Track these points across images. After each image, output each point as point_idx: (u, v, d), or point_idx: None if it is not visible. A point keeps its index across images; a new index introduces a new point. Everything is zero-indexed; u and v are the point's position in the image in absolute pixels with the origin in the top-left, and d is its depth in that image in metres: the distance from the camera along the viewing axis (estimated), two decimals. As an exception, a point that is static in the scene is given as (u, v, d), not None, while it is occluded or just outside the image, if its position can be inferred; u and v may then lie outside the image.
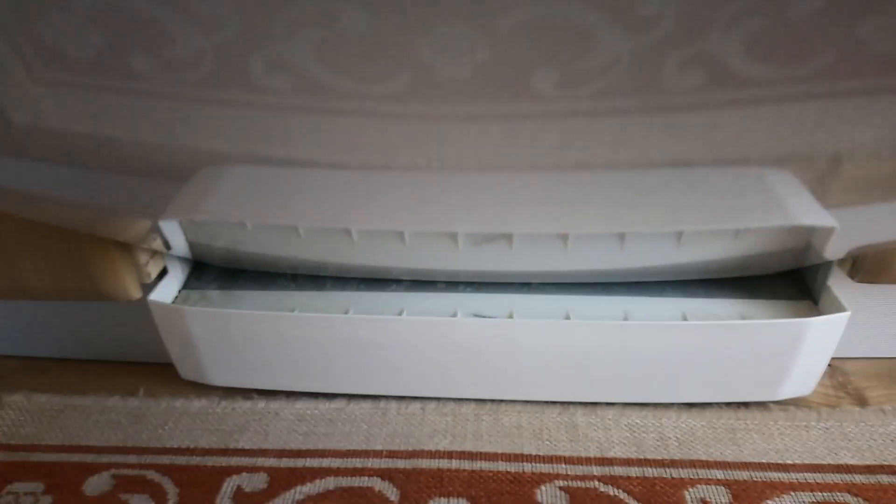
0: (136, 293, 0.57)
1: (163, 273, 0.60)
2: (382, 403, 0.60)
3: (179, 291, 0.62)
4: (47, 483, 0.53)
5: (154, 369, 0.66)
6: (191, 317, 0.57)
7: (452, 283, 0.62)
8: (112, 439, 0.57)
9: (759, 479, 0.50)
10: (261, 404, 0.61)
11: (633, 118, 0.44)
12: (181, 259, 0.63)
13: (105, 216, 0.56)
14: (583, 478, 0.52)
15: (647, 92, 0.41)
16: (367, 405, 0.60)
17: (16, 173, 0.53)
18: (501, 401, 0.59)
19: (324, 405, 0.60)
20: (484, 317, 0.56)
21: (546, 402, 0.58)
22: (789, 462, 0.51)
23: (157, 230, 0.56)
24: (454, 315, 0.58)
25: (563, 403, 0.58)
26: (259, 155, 0.49)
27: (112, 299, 0.57)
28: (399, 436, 0.56)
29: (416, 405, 0.60)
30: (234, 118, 0.44)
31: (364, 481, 0.53)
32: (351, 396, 0.61)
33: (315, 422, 0.59)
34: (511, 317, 0.56)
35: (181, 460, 0.55)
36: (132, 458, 0.55)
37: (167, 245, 0.57)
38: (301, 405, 0.60)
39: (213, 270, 0.64)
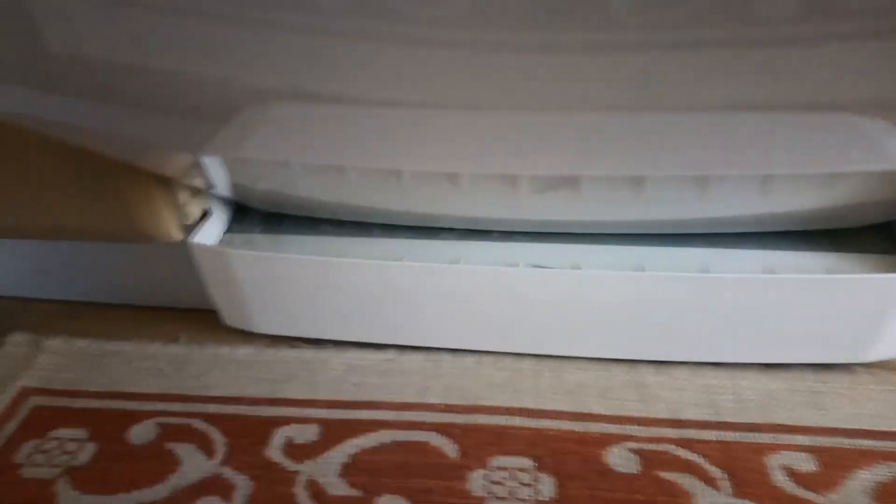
0: (177, 234, 0.54)
1: (204, 215, 0.57)
2: (435, 355, 0.57)
3: (223, 234, 0.59)
4: (91, 430, 0.51)
5: (195, 315, 0.64)
6: (238, 261, 0.54)
7: (508, 233, 0.58)
8: (155, 386, 0.55)
9: (849, 447, 0.46)
10: (308, 353, 0.58)
11: (718, 53, 0.38)
12: (224, 201, 0.59)
13: (146, 148, 0.52)
14: (655, 440, 0.48)
15: (736, 22, 0.36)
16: (419, 357, 0.57)
17: (53, 108, 0.49)
18: (563, 357, 0.55)
19: (374, 355, 0.57)
20: (547, 268, 0.52)
21: (612, 360, 0.55)
22: (882, 429, 0.47)
23: (199, 166, 0.52)
24: (514, 265, 0.54)
25: (630, 361, 0.54)
26: (306, 90, 0.45)
27: (151, 240, 0.54)
28: (455, 389, 0.53)
29: (471, 358, 0.56)
30: (282, 45, 0.40)
31: (420, 436, 0.50)
32: (402, 347, 0.58)
33: (366, 373, 0.56)
34: (576, 268, 0.52)
35: (228, 409, 0.52)
36: (177, 406, 0.53)
37: (210, 183, 0.54)
38: (350, 355, 0.57)
39: (256, 214, 0.61)
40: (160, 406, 0.53)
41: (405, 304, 0.56)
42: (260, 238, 0.58)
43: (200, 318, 0.63)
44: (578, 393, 0.53)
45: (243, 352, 0.58)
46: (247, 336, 0.60)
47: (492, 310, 0.55)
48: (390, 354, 0.57)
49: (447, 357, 0.57)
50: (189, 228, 0.55)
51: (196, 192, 0.55)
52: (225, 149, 0.52)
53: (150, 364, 0.57)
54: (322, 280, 0.56)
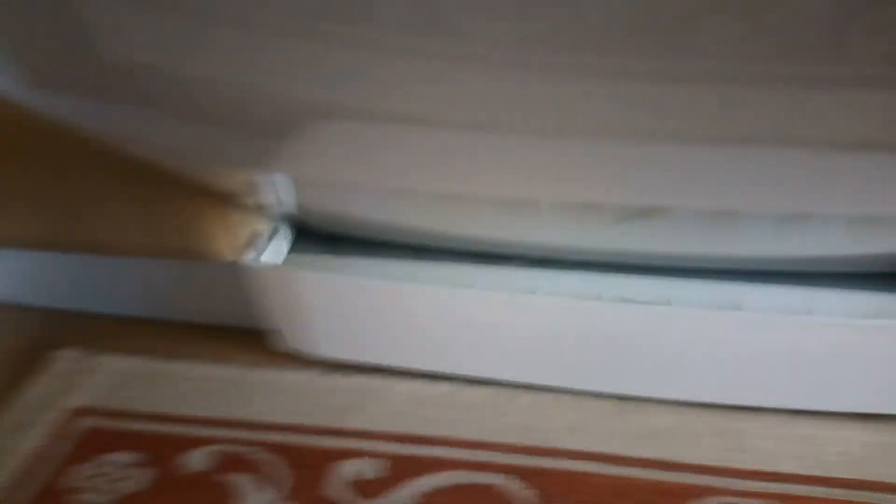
0: (233, 254, 0.52)
1: (264, 235, 0.55)
2: (507, 390, 0.54)
3: (286, 255, 0.56)
4: (147, 455, 0.49)
5: (245, 336, 0.61)
6: (305, 282, 0.52)
7: (584, 262, 0.55)
8: (212, 410, 0.52)
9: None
10: (372, 381, 0.55)
11: (808, 89, 0.36)
12: (285, 220, 0.57)
13: (209, 162, 0.51)
14: (752, 494, 0.44)
15: (829, 58, 0.33)
16: (489, 391, 0.54)
17: (116, 120, 0.48)
18: (648, 399, 0.52)
19: (439, 387, 0.54)
20: (636, 302, 0.49)
21: (701, 404, 0.51)
22: None
23: (264, 183, 0.50)
24: (594, 298, 0.51)
25: (722, 406, 0.50)
26: (374, 109, 0.43)
27: (205, 259, 0.52)
28: (531, 429, 0.50)
29: (547, 396, 0.53)
30: (349, 61, 0.38)
31: (497, 479, 0.46)
32: (469, 380, 0.55)
33: (433, 405, 0.53)
34: (666, 304, 0.49)
35: (290, 439, 0.50)
36: (236, 433, 0.50)
37: (273, 201, 0.51)
38: (415, 385, 0.54)
39: (316, 235, 0.58)
40: (218, 432, 0.50)
41: (476, 334, 0.53)
42: (322, 260, 0.56)
43: (251, 340, 0.60)
44: (666, 438, 0.49)
45: (301, 377, 0.55)
46: (300, 360, 0.57)
47: (571, 344, 0.51)
48: (459, 386, 0.54)
49: (521, 392, 0.53)
50: (245, 248, 0.53)
51: (256, 210, 0.53)
52: (291, 166, 0.50)
53: (204, 386, 0.55)
54: (390, 305, 0.53)
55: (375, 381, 0.55)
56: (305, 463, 0.48)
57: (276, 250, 0.55)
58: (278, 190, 0.52)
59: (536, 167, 0.47)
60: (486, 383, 0.54)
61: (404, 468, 0.47)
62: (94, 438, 0.50)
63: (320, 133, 0.45)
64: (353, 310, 0.53)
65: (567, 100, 0.40)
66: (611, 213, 0.50)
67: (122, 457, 0.48)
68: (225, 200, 0.51)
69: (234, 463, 0.48)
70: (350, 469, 0.47)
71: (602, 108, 0.40)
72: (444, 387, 0.54)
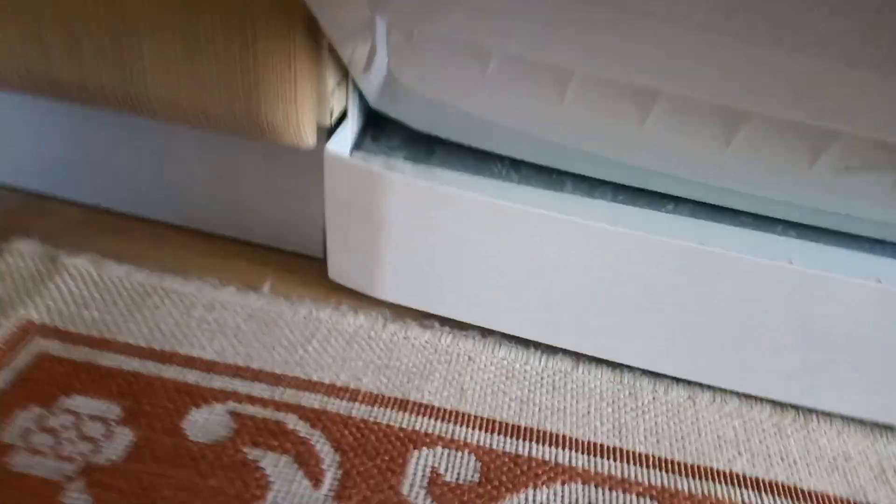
0: (309, 137, 0.36)
1: (340, 119, 0.39)
2: (628, 378, 0.40)
3: (351, 149, 0.41)
4: (127, 405, 0.33)
5: (287, 260, 0.45)
6: (385, 186, 0.36)
7: (762, 217, 0.41)
8: (230, 353, 0.37)
9: None
10: (447, 340, 0.40)
11: None
12: (361, 106, 0.41)
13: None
14: None
15: None
16: (604, 375, 0.40)
17: None
18: (811, 410, 0.39)
19: (540, 361, 0.40)
20: (842, 277, 0.35)
21: (882, 425, 0.38)
22: None
23: (371, 29, 0.34)
24: (781, 261, 0.37)
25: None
26: None
27: (262, 136, 0.36)
28: (667, 436, 0.36)
29: (681, 392, 0.39)
30: None
31: (623, 500, 0.33)
32: (578, 356, 0.41)
33: (532, 384, 0.38)
34: (879, 281, 0.36)
35: (339, 406, 0.35)
36: (261, 389, 0.35)
37: (371, 55, 0.35)
38: (506, 353, 0.40)
39: (396, 134, 0.43)
40: (236, 385, 0.35)
41: (597, 295, 0.39)
42: (403, 165, 0.40)
43: (294, 265, 0.44)
44: (843, 468, 0.36)
45: (355, 322, 0.40)
46: (357, 299, 0.42)
47: (731, 326, 0.38)
48: (564, 364, 0.40)
49: (645, 383, 0.40)
50: (310, 131, 0.37)
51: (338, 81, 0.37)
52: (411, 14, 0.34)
53: (220, 317, 0.39)
54: (493, 237, 0.38)
55: (457, 342, 0.40)
56: (364, 446, 0.33)
57: (344, 139, 0.39)
58: (377, 45, 0.35)
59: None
60: (600, 363, 0.40)
61: (502, 472, 0.33)
62: (48, 371, 0.34)
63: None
64: (438, 237, 0.38)
65: None
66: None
67: (90, 404, 0.33)
68: (320, 60, 0.34)
69: (257, 432, 0.33)
70: (426, 463, 0.33)
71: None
72: (546, 362, 0.40)
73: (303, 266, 0.44)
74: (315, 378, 0.36)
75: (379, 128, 0.43)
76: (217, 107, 0.34)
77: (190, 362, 0.36)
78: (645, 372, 0.40)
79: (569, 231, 0.37)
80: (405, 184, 0.35)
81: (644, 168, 0.39)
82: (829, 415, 0.39)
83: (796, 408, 0.39)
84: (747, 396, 0.40)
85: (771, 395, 0.39)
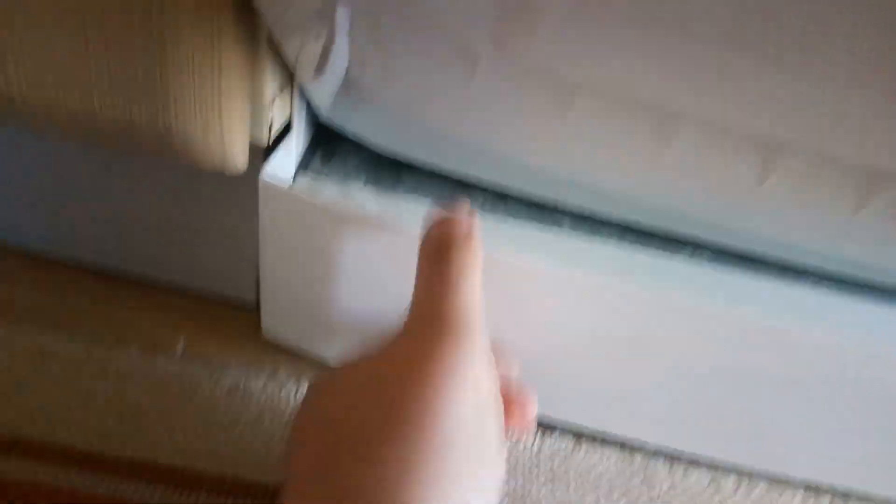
0: (239, 158, 0.27)
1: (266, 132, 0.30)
2: (640, 460, 0.32)
3: (294, 172, 0.32)
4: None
5: (212, 310, 0.35)
6: (341, 222, 0.27)
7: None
8: (121, 442, 0.28)
9: None
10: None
11: None
12: (306, 117, 0.33)
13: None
14: None
15: None
16: (612, 456, 0.32)
17: None
18: (847, 494, 0.32)
19: (534, 441, 0.32)
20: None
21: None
22: None
23: (329, 17, 0.25)
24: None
25: None
26: None
27: (179, 158, 0.26)
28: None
29: (702, 476, 0.32)
30: None
31: None
32: (579, 433, 0.33)
33: (526, 473, 0.30)
34: None
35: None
36: (165, 496, 0.26)
37: (325, 53, 0.27)
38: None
39: (354, 154, 0.34)
40: (128, 490, 0.26)
41: (600, 358, 0.31)
42: (362, 194, 0.32)
43: (219, 318, 0.35)
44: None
45: (298, 394, 0.31)
46: (299, 363, 0.33)
47: (757, 397, 0.31)
48: (562, 443, 0.32)
49: (659, 465, 0.32)
50: (245, 153, 0.28)
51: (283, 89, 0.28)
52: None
53: (114, 389, 0.30)
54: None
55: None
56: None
57: (288, 159, 0.30)
58: (334, 39, 0.27)
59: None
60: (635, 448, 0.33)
61: None
62: None
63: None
64: (412, 288, 0.30)
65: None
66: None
67: None
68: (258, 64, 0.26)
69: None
70: None
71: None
72: (559, 442, 0.32)
73: (230, 318, 0.35)
74: (241, 476, 0.27)
75: (332, 146, 0.35)
76: (110, 116, 0.24)
77: (66, 457, 0.26)
78: (658, 451, 0.33)
79: (568, 282, 0.30)
80: (363, 219, 0.27)
81: (660, 207, 0.32)
82: (869, 499, 0.33)
83: (832, 492, 0.33)
84: (777, 481, 0.33)
85: (804, 476, 0.33)
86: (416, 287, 0.23)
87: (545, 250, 0.31)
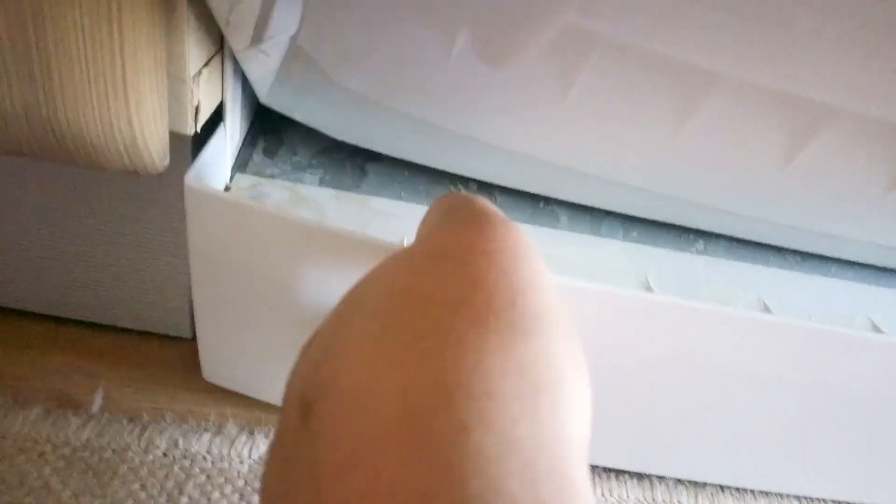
0: (155, 154, 0.20)
1: (210, 124, 0.23)
2: (661, 492, 0.28)
3: (231, 173, 0.25)
4: None
5: (137, 345, 0.28)
6: (292, 232, 0.21)
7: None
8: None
9: None
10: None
11: None
12: (241, 99, 0.26)
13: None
14: None
15: None
16: (631, 491, 0.27)
17: None
18: None
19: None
20: None
21: None
22: None
23: None
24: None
25: None
26: None
27: (76, 158, 0.20)
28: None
29: None
30: None
31: None
32: (592, 467, 0.28)
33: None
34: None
35: None
36: None
37: (265, 14, 0.20)
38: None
39: (305, 144, 0.28)
40: None
41: (611, 382, 0.26)
42: (317, 194, 0.26)
43: (145, 355, 0.28)
44: None
45: (253, 453, 0.25)
46: (251, 409, 0.27)
47: (785, 413, 0.27)
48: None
49: (683, 497, 0.28)
50: (167, 147, 0.21)
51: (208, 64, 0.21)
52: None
53: (14, 467, 0.23)
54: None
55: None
56: None
57: (220, 156, 0.24)
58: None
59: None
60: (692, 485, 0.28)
61: None
62: None
63: None
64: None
65: None
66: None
67: None
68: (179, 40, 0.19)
69: None
70: None
71: None
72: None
73: (161, 355, 0.28)
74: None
75: (277, 134, 0.28)
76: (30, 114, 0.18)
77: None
78: (679, 480, 0.29)
79: (570, 292, 0.24)
80: (319, 230, 0.21)
81: (670, 195, 0.28)
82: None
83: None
84: (810, 499, 0.29)
85: (837, 497, 0.29)
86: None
87: (545, 253, 0.26)
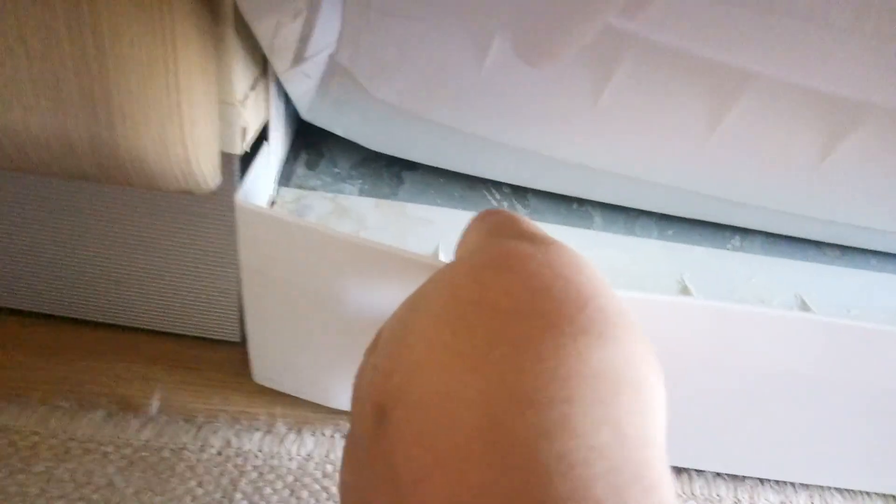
0: (208, 174, 0.21)
1: (256, 146, 0.24)
2: (700, 485, 0.28)
3: (275, 187, 0.27)
4: None
5: (190, 350, 0.30)
6: (336, 244, 0.22)
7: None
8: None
9: None
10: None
11: None
12: (285, 116, 0.27)
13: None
14: None
15: None
16: (665, 485, 0.28)
17: None
18: None
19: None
20: None
21: None
22: None
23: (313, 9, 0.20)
24: None
25: None
26: None
27: (132, 181, 0.21)
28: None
29: (771, 498, 0.28)
30: None
31: None
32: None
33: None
34: None
35: None
36: None
37: (305, 35, 0.21)
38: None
39: (345, 155, 0.29)
40: None
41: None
42: (358, 204, 0.27)
43: (199, 360, 0.29)
44: None
45: (301, 450, 0.26)
46: (300, 409, 0.28)
47: (830, 407, 0.27)
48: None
49: (722, 490, 0.28)
50: (222, 169, 0.22)
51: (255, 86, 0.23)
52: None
53: (79, 467, 0.24)
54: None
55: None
56: None
57: (265, 174, 0.25)
58: (315, 18, 0.21)
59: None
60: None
61: None
62: None
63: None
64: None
65: None
66: None
67: None
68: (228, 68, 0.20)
69: None
70: None
71: None
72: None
73: (213, 359, 0.29)
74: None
75: (317, 148, 0.29)
76: (40, 136, 0.19)
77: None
78: (718, 474, 0.29)
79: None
80: (360, 244, 0.22)
81: (705, 193, 0.28)
82: (953, 506, 0.29)
83: (914, 501, 0.29)
84: (852, 492, 0.29)
85: (879, 490, 0.29)
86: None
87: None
